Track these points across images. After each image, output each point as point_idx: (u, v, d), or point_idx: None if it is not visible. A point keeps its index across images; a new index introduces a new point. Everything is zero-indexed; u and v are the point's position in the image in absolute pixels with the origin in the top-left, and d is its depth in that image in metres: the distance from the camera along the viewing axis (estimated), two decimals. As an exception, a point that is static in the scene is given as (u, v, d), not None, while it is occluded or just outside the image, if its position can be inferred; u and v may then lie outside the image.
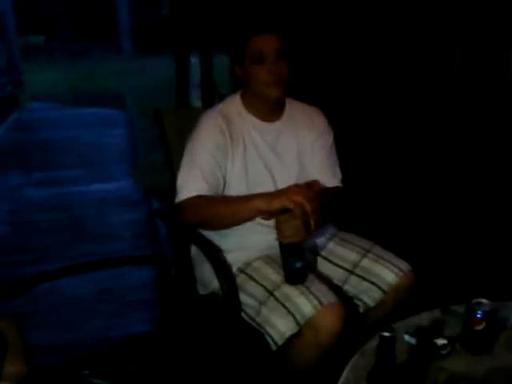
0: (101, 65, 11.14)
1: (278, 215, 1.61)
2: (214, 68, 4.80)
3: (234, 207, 1.72)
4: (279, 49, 1.74)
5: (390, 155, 3.39)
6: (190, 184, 1.73)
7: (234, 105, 1.87)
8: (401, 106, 3.44)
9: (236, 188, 1.80)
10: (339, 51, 3.47)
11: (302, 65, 3.23)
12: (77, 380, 1.97)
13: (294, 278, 1.65)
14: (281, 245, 1.64)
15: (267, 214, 1.66)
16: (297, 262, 1.63)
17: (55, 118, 7.10)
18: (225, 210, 1.73)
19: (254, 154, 1.82)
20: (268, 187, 1.81)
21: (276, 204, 1.60)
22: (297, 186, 1.67)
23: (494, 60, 2.96)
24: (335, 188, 1.94)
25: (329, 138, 1.96)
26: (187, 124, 1.88)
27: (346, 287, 1.85)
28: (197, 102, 5.27)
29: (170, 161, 2.05)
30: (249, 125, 1.84)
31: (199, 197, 1.72)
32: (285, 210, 1.59)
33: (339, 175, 1.97)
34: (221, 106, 1.88)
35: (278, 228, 1.61)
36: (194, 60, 5.04)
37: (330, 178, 1.93)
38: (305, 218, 1.60)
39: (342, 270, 1.86)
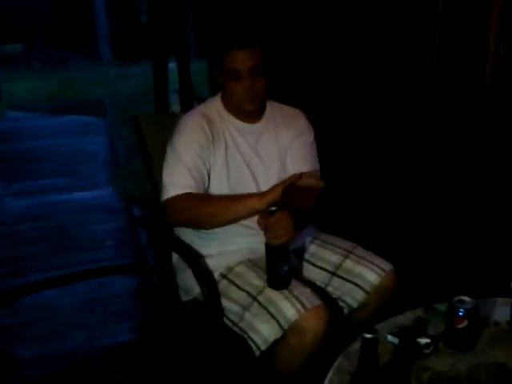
0: (80, 73, 11.05)
1: (268, 216, 1.59)
2: (193, 72, 4.79)
3: (226, 206, 1.71)
4: (255, 66, 1.73)
5: (371, 155, 3.41)
6: (177, 181, 1.72)
7: (214, 106, 1.87)
8: (381, 110, 3.46)
9: (217, 187, 1.79)
10: (324, 55, 3.49)
11: (286, 68, 3.25)
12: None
13: (280, 282, 1.64)
14: (268, 248, 1.62)
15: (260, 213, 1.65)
16: (284, 266, 1.62)
17: (34, 127, 7.03)
18: (215, 208, 1.72)
19: (236, 154, 1.82)
20: (249, 187, 1.81)
21: (270, 197, 1.61)
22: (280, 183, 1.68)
23: (470, 60, 2.98)
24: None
25: (308, 137, 1.95)
26: (166, 130, 1.87)
27: (329, 289, 1.84)
28: (176, 108, 5.26)
29: (150, 167, 2.04)
30: (230, 125, 1.84)
31: (187, 195, 1.71)
32: (274, 211, 1.59)
33: (318, 173, 1.95)
34: (201, 107, 1.88)
35: (270, 228, 1.58)
36: (172, 65, 5.03)
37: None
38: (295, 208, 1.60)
39: (324, 272, 1.86)
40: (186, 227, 1.87)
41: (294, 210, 1.63)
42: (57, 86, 9.45)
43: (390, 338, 1.49)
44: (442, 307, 1.59)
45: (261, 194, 1.66)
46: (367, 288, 1.76)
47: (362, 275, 1.77)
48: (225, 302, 1.75)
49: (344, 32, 3.44)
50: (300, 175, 1.67)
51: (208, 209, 1.72)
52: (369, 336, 1.17)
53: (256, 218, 1.65)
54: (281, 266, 1.62)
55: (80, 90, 9.20)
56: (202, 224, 1.78)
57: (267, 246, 1.62)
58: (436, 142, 3.17)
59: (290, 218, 1.59)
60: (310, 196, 1.80)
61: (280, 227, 1.58)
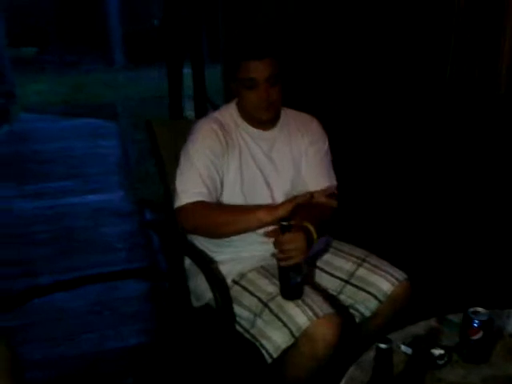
0: (93, 76, 11.13)
1: (279, 230, 1.58)
2: (207, 78, 4.80)
3: (236, 217, 1.71)
4: (271, 76, 1.73)
5: (386, 163, 3.40)
6: (190, 189, 1.73)
7: (229, 113, 1.87)
8: (395, 116, 3.45)
9: (231, 193, 1.79)
10: (335, 60, 3.49)
11: (299, 73, 3.25)
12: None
13: (293, 293, 1.62)
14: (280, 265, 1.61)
15: (271, 225, 1.64)
16: (297, 277, 1.60)
17: (47, 129, 7.08)
18: (226, 219, 1.72)
19: (250, 161, 1.82)
20: (263, 193, 1.81)
21: (280, 211, 1.59)
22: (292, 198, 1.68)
23: (485, 68, 2.97)
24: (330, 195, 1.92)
25: (323, 145, 1.94)
26: (179, 135, 1.88)
27: (342, 297, 1.84)
28: (190, 113, 5.27)
29: (163, 172, 2.04)
30: (244, 132, 1.84)
31: (199, 203, 1.71)
32: (286, 229, 1.57)
33: (334, 181, 1.94)
34: (216, 114, 1.88)
35: (282, 249, 1.57)
36: (187, 71, 5.05)
37: (325, 183, 1.90)
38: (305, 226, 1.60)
39: (337, 280, 1.85)
40: (197, 235, 1.88)
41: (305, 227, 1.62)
42: (69, 90, 9.52)
43: (403, 347, 1.48)
44: (455, 318, 1.58)
45: (271, 208, 1.64)
46: (380, 297, 1.75)
47: (376, 284, 1.76)
48: (237, 309, 1.74)
49: (358, 39, 3.43)
50: (312, 194, 1.67)
51: (219, 219, 1.72)
52: (383, 346, 1.16)
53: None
54: (294, 279, 1.61)
55: (92, 94, 9.26)
56: (212, 233, 1.78)
57: (279, 262, 1.61)
58: (450, 150, 3.15)
59: (302, 238, 1.58)
60: (322, 213, 1.80)
61: (292, 249, 1.57)
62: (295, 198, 1.65)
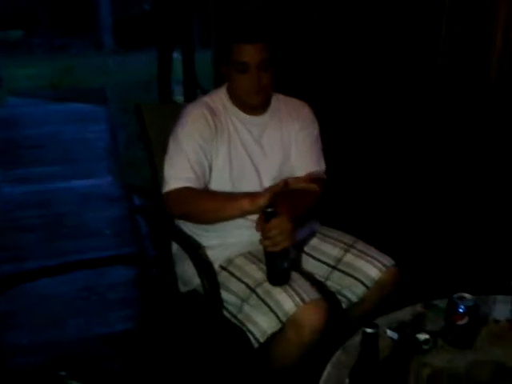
0: (82, 60, 10.99)
1: (265, 222, 1.57)
2: (197, 63, 4.77)
3: (220, 205, 1.71)
4: (263, 60, 1.72)
5: (374, 150, 3.40)
6: (178, 174, 1.72)
7: (219, 97, 1.86)
8: (385, 103, 3.45)
9: (219, 178, 1.79)
10: (328, 48, 3.48)
11: (293, 62, 3.24)
12: (53, 382, 1.94)
13: (280, 278, 1.63)
14: (267, 251, 1.61)
15: (253, 214, 1.64)
16: (284, 263, 1.61)
17: (35, 113, 7.00)
18: (210, 206, 1.72)
19: (239, 146, 1.81)
20: (251, 179, 1.81)
21: (261, 200, 1.59)
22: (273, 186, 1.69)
23: (475, 56, 2.97)
24: (318, 180, 1.92)
25: (313, 130, 1.94)
26: (169, 119, 1.86)
27: (329, 283, 1.84)
28: (179, 98, 5.24)
29: (152, 157, 2.03)
30: (234, 117, 1.83)
31: (187, 189, 1.70)
32: (270, 215, 1.57)
33: (323, 166, 1.94)
34: (206, 98, 1.87)
35: (268, 236, 1.56)
36: (177, 56, 5.01)
37: (313, 168, 1.90)
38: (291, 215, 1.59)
39: (324, 266, 1.85)
40: (184, 220, 1.88)
41: (291, 212, 1.62)
42: (58, 73, 9.39)
43: (389, 333, 1.49)
44: (441, 303, 1.59)
45: (253, 197, 1.64)
46: (368, 283, 1.76)
47: (363, 270, 1.77)
48: (224, 294, 1.74)
49: (351, 28, 3.43)
50: (286, 181, 1.68)
51: (205, 206, 1.72)
52: (370, 330, 1.16)
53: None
54: (281, 265, 1.61)
55: (81, 78, 9.15)
56: (198, 219, 1.79)
57: (266, 248, 1.60)
58: (439, 137, 3.16)
59: (287, 222, 1.57)
60: (305, 199, 1.80)
61: (278, 234, 1.56)
62: (274, 186, 1.65)
